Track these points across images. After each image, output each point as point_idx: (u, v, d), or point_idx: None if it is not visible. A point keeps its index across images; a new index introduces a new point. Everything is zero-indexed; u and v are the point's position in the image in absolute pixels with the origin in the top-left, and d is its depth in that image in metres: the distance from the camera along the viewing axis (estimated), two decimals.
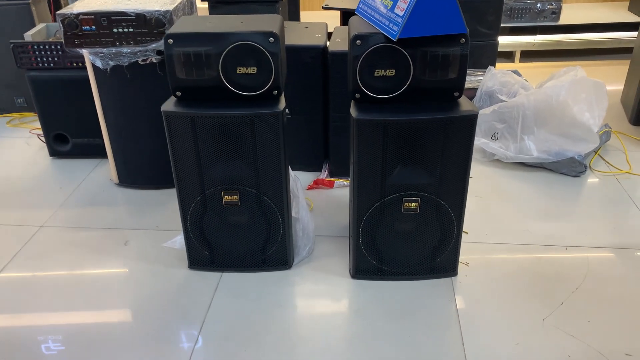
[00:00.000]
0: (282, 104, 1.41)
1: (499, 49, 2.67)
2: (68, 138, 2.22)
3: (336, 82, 1.91)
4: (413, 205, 1.44)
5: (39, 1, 2.54)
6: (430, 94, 1.37)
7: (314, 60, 1.93)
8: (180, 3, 1.80)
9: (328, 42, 1.98)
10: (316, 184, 2.02)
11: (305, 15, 3.46)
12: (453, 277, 1.56)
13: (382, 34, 1.31)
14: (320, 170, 2.12)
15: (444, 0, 1.24)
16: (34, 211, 1.92)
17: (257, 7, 2.39)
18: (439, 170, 1.40)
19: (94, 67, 1.80)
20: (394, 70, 1.34)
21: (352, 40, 1.32)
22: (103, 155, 2.13)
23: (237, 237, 1.56)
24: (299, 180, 1.72)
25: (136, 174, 2.02)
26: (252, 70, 1.37)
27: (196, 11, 2.03)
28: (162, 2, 1.78)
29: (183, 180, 1.47)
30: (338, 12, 2.46)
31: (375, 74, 1.34)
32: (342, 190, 2.01)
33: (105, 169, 2.17)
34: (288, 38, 1.98)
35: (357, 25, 1.40)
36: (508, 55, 3.33)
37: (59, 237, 1.78)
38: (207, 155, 1.43)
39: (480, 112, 2.18)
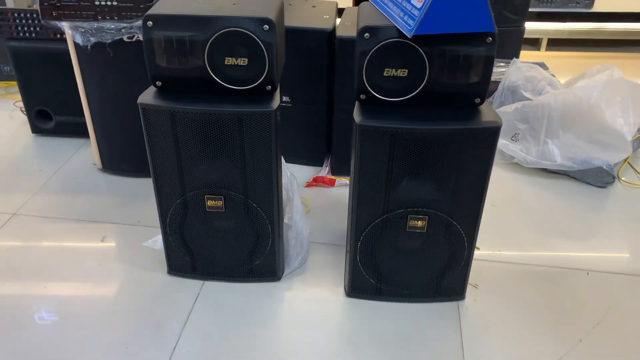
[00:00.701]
0: (276, 101, 1.23)
1: (524, 36, 2.45)
2: (51, 115, 2.05)
3: (343, 70, 1.72)
4: (419, 223, 1.27)
5: None
6: (447, 99, 1.18)
7: (319, 45, 1.73)
8: None
9: (337, 25, 1.77)
10: (315, 182, 1.85)
11: None
12: (460, 302, 1.40)
13: (395, 27, 1.12)
14: (321, 165, 1.95)
15: None
16: (8, 196, 1.77)
17: None
18: (451, 186, 1.23)
19: (75, 42, 1.61)
20: (406, 71, 1.15)
21: (360, 33, 1.13)
22: (88, 135, 1.97)
23: (221, 244, 1.40)
24: (295, 179, 1.55)
25: (120, 159, 1.86)
26: (242, 61, 1.19)
27: None
28: None
29: (162, 180, 1.31)
30: None
31: (385, 74, 1.16)
32: (343, 189, 1.84)
33: (90, 152, 2.00)
34: (292, 18, 1.78)
35: (367, 14, 1.21)
36: (533, 43, 3.09)
37: (31, 228, 1.63)
38: (189, 155, 1.26)
39: (502, 109, 1.98)
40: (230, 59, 1.18)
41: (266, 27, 1.16)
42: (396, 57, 1.14)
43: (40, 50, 1.91)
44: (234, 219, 1.35)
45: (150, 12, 1.17)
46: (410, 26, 1.07)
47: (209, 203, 1.32)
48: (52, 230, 1.62)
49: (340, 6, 1.99)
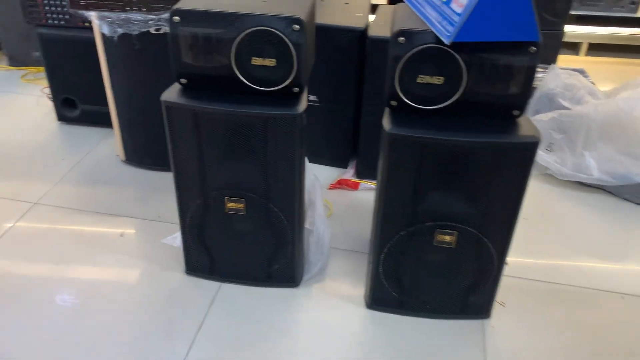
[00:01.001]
0: (303, 104, 1.18)
1: (563, 39, 2.35)
2: (77, 103, 2.04)
3: (373, 71, 1.66)
4: (448, 238, 1.21)
5: None
6: (484, 109, 1.12)
7: (350, 44, 1.67)
8: None
9: (369, 24, 1.71)
10: (339, 184, 1.80)
11: None
12: (485, 320, 1.34)
13: (432, 31, 1.05)
14: (345, 167, 1.89)
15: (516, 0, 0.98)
16: (30, 184, 1.76)
17: None
18: (484, 202, 1.16)
19: (102, 33, 1.59)
20: (442, 78, 1.09)
21: (394, 37, 1.07)
22: (112, 126, 1.95)
23: (241, 247, 1.36)
24: (318, 182, 1.50)
25: (143, 152, 1.84)
26: (270, 62, 1.14)
27: None
28: None
29: (182, 179, 1.28)
30: None
31: (419, 80, 1.10)
32: (368, 193, 1.78)
33: (113, 142, 1.99)
34: (324, 14, 1.73)
35: (403, 17, 1.14)
36: (572, 47, 2.97)
37: (51, 219, 1.62)
38: (211, 155, 1.22)
39: (538, 117, 1.90)
40: (257, 59, 1.14)
41: (296, 27, 1.11)
42: (432, 64, 1.08)
43: (68, 38, 1.90)
44: (254, 222, 1.31)
45: (178, 6, 1.13)
46: (448, 32, 1.01)
47: (230, 205, 1.28)
48: (71, 222, 1.61)
49: (373, 1, 1.93)
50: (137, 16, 1.52)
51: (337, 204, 1.73)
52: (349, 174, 1.85)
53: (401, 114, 1.15)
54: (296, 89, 1.18)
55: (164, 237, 1.54)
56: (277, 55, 1.13)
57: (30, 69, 2.50)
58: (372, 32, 1.61)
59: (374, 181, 1.81)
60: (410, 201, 1.18)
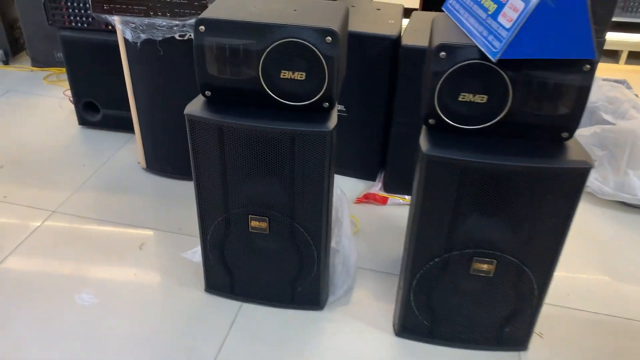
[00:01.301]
0: (333, 120, 1.11)
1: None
2: (99, 107, 2.00)
3: (406, 82, 1.58)
4: (486, 266, 1.13)
5: None
6: (530, 130, 1.03)
7: (383, 52, 1.59)
8: None
9: (402, 32, 1.63)
10: (366, 199, 1.72)
11: None
12: (522, 352, 1.25)
13: (477, 46, 0.97)
14: (373, 180, 1.82)
15: (572, 12, 0.89)
16: (50, 190, 1.72)
17: None
18: (527, 229, 1.08)
19: (125, 38, 1.54)
20: (485, 97, 1.00)
21: (435, 51, 0.99)
22: (134, 131, 1.91)
23: (263, 267, 1.29)
24: (345, 198, 1.43)
25: (165, 160, 1.78)
26: (299, 75, 1.07)
27: None
28: None
29: (205, 195, 1.21)
30: None
31: (460, 99, 1.01)
32: (396, 209, 1.71)
33: (134, 149, 1.94)
34: (355, 21, 1.65)
35: (443, 29, 1.06)
36: (612, 55, 2.84)
37: (68, 230, 1.57)
38: (235, 171, 1.16)
39: (578, 132, 1.79)
40: (286, 72, 1.07)
41: (329, 39, 1.03)
42: (475, 81, 0.99)
43: (91, 41, 1.85)
44: (278, 242, 1.25)
45: (204, 15, 1.07)
46: (495, 48, 0.92)
47: (253, 224, 1.22)
48: (90, 233, 1.56)
49: (407, 5, 1.85)
50: (161, 22, 1.46)
51: (364, 219, 1.65)
52: (376, 187, 1.77)
53: (439, 133, 1.07)
54: (326, 104, 1.11)
55: (184, 250, 1.48)
56: (308, 68, 1.06)
57: (53, 70, 2.47)
58: (406, 41, 1.53)
59: (403, 196, 1.73)
60: (447, 226, 1.10)
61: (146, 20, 1.47)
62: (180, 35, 1.49)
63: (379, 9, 1.76)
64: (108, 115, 2.00)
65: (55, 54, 2.44)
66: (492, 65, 0.96)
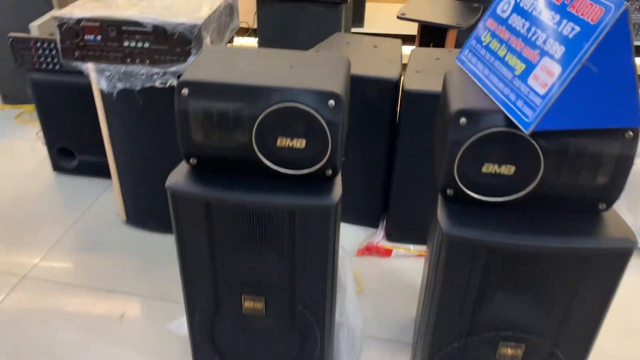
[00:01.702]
0: (338, 190, 0.98)
1: None
2: (75, 153, 1.85)
3: (409, 127, 1.45)
4: (512, 351, 1.00)
5: None
6: (563, 202, 0.91)
7: (383, 96, 1.47)
8: (215, 11, 1.36)
9: (402, 72, 1.51)
10: (369, 250, 1.59)
11: (372, 10, 2.93)
12: None
13: (503, 112, 0.85)
14: (375, 226, 1.69)
15: (616, 77, 0.77)
16: (21, 250, 1.56)
17: (316, 8, 1.93)
18: (560, 311, 0.95)
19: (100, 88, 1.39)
20: (513, 167, 0.88)
21: (454, 117, 0.86)
22: None
23: (259, 349, 1.15)
24: (347, 256, 1.30)
25: (147, 213, 1.64)
26: (298, 142, 0.94)
27: (237, 16, 1.59)
28: (191, 9, 1.35)
29: (190, 274, 1.07)
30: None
31: (484, 170, 0.89)
32: (402, 262, 1.57)
33: (114, 198, 1.79)
34: (352, 62, 1.51)
35: (460, 88, 0.94)
36: None
37: (41, 297, 1.41)
38: (226, 248, 1.02)
39: None
40: (284, 139, 0.93)
41: (332, 102, 0.90)
42: (501, 151, 0.87)
43: (64, 84, 1.71)
44: (276, 323, 1.11)
45: (187, 76, 0.93)
46: (528, 118, 0.80)
47: (247, 304, 1.08)
48: (64, 302, 1.40)
49: (404, 32, 1.73)
50: (139, 69, 1.32)
51: (368, 275, 1.52)
52: (379, 236, 1.64)
53: (458, 204, 0.94)
54: (329, 172, 0.98)
55: (170, 320, 1.33)
56: (308, 135, 0.93)
57: (25, 107, 2.31)
58: (408, 84, 1.41)
59: (408, 246, 1.60)
60: (469, 308, 0.97)
61: (123, 68, 1.32)
62: (161, 83, 1.35)
63: (376, 46, 1.64)
64: (84, 161, 1.85)
65: (28, 90, 2.27)
66: (523, 135, 0.84)
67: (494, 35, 0.94)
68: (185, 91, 0.92)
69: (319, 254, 1.00)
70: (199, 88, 0.92)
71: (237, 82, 0.92)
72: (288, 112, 0.91)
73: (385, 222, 1.66)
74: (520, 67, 0.85)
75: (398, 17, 1.82)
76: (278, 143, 0.94)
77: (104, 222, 1.69)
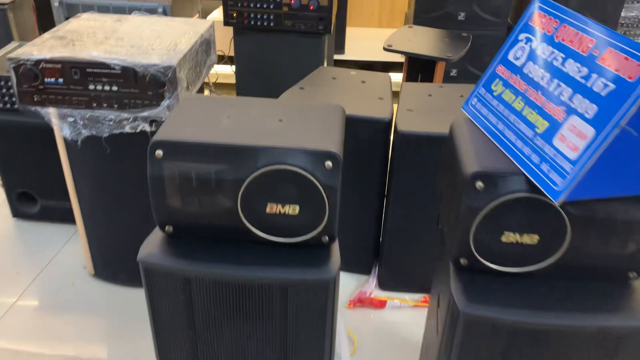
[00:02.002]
0: (336, 259, 0.86)
1: None
2: (36, 198, 1.69)
3: (403, 170, 1.35)
4: None
5: (21, 6, 2.00)
6: (590, 272, 0.81)
7: (375, 137, 1.37)
8: (191, 49, 1.24)
9: (394, 112, 1.41)
10: (361, 302, 1.47)
11: (351, 35, 2.84)
12: None
13: (523, 173, 0.75)
14: (367, 273, 1.57)
15: None
16: None
17: (299, 39, 1.83)
18: None
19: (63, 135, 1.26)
20: (536, 237, 0.78)
21: (470, 181, 0.76)
22: None
23: None
24: (342, 319, 1.18)
25: (117, 266, 1.49)
26: (291, 209, 0.82)
27: (215, 52, 1.47)
28: (164, 47, 1.22)
29: (167, 356, 0.94)
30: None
31: (503, 239, 0.78)
32: (396, 313, 1.46)
33: (80, 246, 1.64)
34: (339, 99, 1.42)
35: (472, 143, 0.84)
36: None
37: None
38: (208, 328, 0.89)
39: None
40: (274, 205, 0.82)
41: (329, 164, 0.79)
42: (524, 219, 0.77)
43: (23, 124, 1.56)
44: None
45: (161, 135, 0.81)
46: (557, 186, 0.70)
47: None
48: None
49: (389, 58, 1.63)
50: (107, 114, 1.19)
51: (361, 331, 1.39)
52: (371, 284, 1.52)
53: (473, 275, 0.83)
54: (326, 239, 0.86)
55: None
56: (302, 200, 0.81)
57: None
58: (402, 125, 1.31)
59: (402, 296, 1.48)
60: None
61: (88, 114, 1.19)
62: (131, 128, 1.22)
63: (364, 82, 1.54)
64: (47, 206, 1.69)
65: None
66: (549, 202, 0.74)
67: (507, 84, 0.84)
68: (159, 153, 0.80)
69: (314, 332, 0.88)
70: (176, 149, 0.80)
71: (220, 141, 0.80)
72: (279, 175, 0.79)
73: (377, 268, 1.55)
74: (542, 124, 0.75)
75: (385, 49, 1.73)
76: (268, 209, 0.82)
77: (69, 276, 1.54)
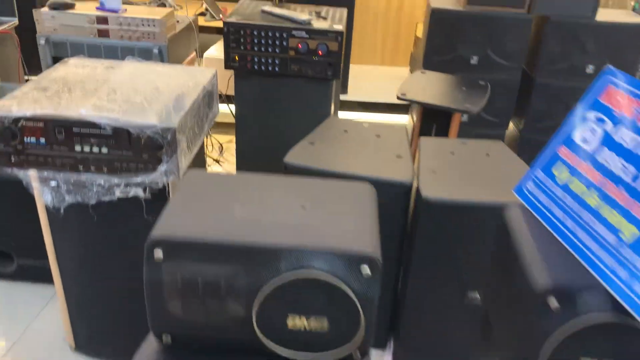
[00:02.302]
0: None
1: None
2: (13, 256, 1.52)
3: (426, 239, 1.21)
4: None
5: (4, 43, 1.86)
6: None
7: (394, 201, 1.23)
8: (193, 104, 1.10)
9: (416, 173, 1.27)
10: None
11: (352, 74, 2.72)
12: None
13: (603, 285, 0.61)
14: (382, 347, 1.42)
15: None
16: None
17: (305, 84, 1.70)
18: None
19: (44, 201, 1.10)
20: None
21: (542, 297, 0.62)
22: None
23: None
24: None
25: (101, 340, 1.32)
26: (318, 324, 0.67)
27: (217, 103, 1.33)
28: (162, 102, 1.08)
29: None
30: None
31: None
32: None
33: (60, 314, 1.47)
34: (353, 157, 1.29)
35: (537, 244, 0.70)
36: None
37: None
38: None
39: None
40: (297, 318, 0.67)
41: (366, 269, 0.65)
42: (605, 344, 0.63)
43: None
44: None
45: (160, 232, 0.66)
46: None
47: None
48: None
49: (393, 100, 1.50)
50: (95, 179, 1.04)
51: None
52: (387, 358, 1.37)
53: None
54: (358, 355, 0.71)
55: None
56: (332, 313, 0.67)
57: None
58: (426, 190, 1.17)
59: None
60: None
61: (73, 178, 1.04)
62: (122, 193, 1.07)
63: (378, 136, 1.40)
64: (24, 265, 1.53)
65: None
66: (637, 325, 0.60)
67: (574, 172, 0.71)
68: (159, 254, 0.65)
69: None
70: (178, 249, 0.65)
71: (232, 240, 0.65)
72: (303, 282, 0.65)
73: (393, 343, 1.40)
74: (629, 230, 0.62)
75: (398, 98, 1.60)
76: (289, 324, 0.67)
77: (48, 349, 1.37)
